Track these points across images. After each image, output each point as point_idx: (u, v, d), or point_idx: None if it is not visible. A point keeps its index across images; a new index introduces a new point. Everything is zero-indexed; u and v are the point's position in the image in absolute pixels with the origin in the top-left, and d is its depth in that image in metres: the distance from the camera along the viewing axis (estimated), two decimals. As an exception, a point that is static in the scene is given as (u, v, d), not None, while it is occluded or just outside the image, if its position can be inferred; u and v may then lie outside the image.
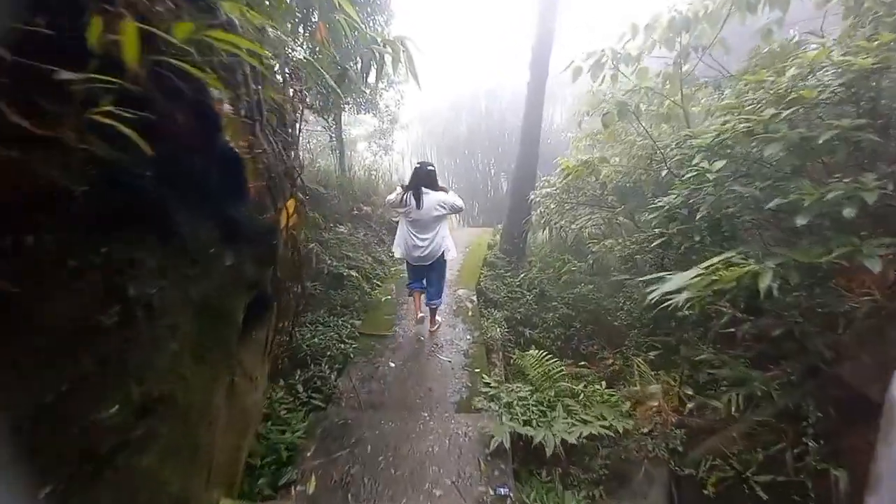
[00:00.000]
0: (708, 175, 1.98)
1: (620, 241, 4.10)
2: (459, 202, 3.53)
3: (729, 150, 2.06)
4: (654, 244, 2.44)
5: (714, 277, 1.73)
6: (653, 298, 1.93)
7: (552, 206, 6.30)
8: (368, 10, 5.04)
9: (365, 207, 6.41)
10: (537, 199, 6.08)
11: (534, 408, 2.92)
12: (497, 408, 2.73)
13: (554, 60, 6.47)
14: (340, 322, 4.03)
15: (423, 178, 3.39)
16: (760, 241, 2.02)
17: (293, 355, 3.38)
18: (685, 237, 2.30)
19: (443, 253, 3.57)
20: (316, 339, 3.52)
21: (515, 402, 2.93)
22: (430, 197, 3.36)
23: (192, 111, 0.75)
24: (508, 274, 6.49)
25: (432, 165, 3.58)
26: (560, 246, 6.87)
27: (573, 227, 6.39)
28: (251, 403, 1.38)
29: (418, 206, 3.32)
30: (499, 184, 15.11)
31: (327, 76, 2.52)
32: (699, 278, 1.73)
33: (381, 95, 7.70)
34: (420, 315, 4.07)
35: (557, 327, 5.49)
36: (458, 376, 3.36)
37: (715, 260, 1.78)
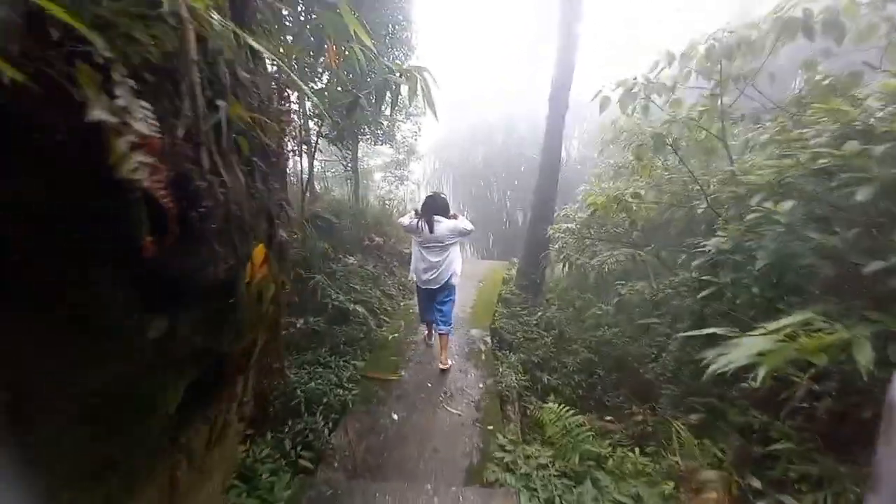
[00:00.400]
0: (777, 217, 1.66)
1: (653, 283, 3.71)
2: (469, 226, 3.66)
3: (795, 190, 1.75)
4: (703, 294, 2.09)
5: (794, 346, 1.37)
6: (715, 369, 1.57)
7: (571, 241, 5.98)
8: (388, 41, 5.04)
9: (377, 238, 6.22)
10: (556, 233, 5.78)
11: (556, 480, 2.50)
12: (513, 482, 2.32)
13: (573, 93, 6.37)
14: (342, 363, 3.71)
15: (436, 207, 3.58)
16: (840, 301, 1.65)
17: (287, 402, 3.06)
18: (740, 288, 1.95)
19: (451, 276, 3.68)
20: (313, 384, 3.20)
21: (534, 472, 2.51)
22: (442, 225, 3.53)
23: (69, 127, 0.50)
24: (525, 312, 6.10)
25: (444, 195, 3.79)
26: (580, 283, 6.47)
27: (592, 263, 6.05)
28: (204, 499, 1.08)
29: (431, 231, 3.50)
30: (514, 216, 14.91)
31: (322, 102, 2.32)
32: (777, 346, 1.37)
33: (398, 127, 7.70)
34: (431, 341, 4.22)
35: (578, 373, 5.03)
36: (468, 434, 2.96)
37: (789, 321, 1.43)
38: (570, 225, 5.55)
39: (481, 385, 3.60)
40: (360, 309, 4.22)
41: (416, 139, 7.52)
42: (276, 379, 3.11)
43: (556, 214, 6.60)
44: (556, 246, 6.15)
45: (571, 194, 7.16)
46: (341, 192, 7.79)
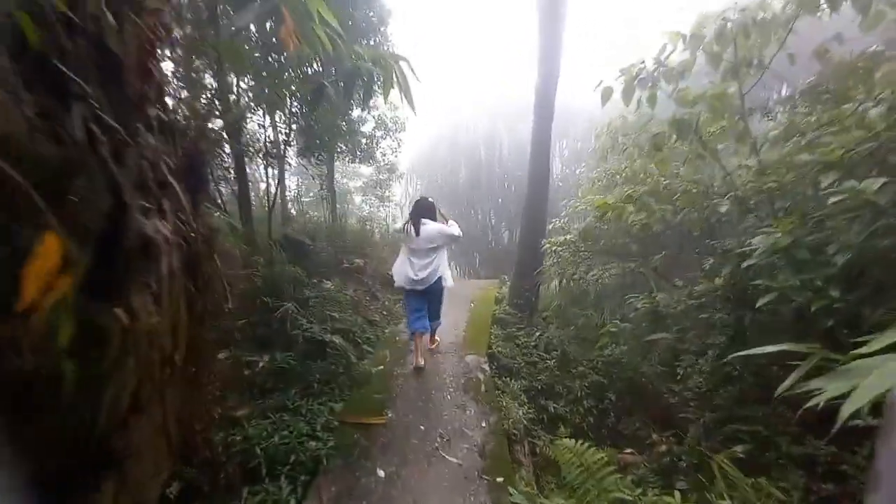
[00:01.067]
0: (868, 198, 1.27)
1: (668, 295, 3.31)
2: (456, 231, 3.71)
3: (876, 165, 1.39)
4: (763, 302, 1.67)
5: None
6: (815, 403, 1.13)
7: (567, 254, 5.61)
8: (363, 25, 4.66)
9: (357, 260, 5.69)
10: (552, 247, 5.40)
11: (590, 549, 1.96)
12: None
13: (558, 104, 6.16)
14: (316, 406, 3.11)
15: (423, 211, 3.68)
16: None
17: (245, 463, 2.44)
18: (810, 291, 1.54)
19: (440, 279, 3.69)
20: (277, 437, 2.59)
21: (562, 540, 1.97)
22: (429, 227, 3.60)
23: None
24: (521, 333, 5.60)
25: (432, 199, 3.86)
26: (579, 299, 6.06)
27: (589, 276, 5.66)
28: None
29: (417, 233, 3.57)
30: (500, 234, 14.63)
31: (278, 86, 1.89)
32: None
33: (377, 144, 7.34)
34: (420, 362, 3.82)
35: (587, 398, 4.53)
36: (472, 489, 2.40)
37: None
38: (567, 236, 5.18)
39: (484, 424, 3.04)
40: (337, 340, 3.65)
41: (396, 155, 7.17)
42: (226, 433, 2.51)
43: (547, 227, 6.26)
44: (551, 261, 5.76)
45: (556, 210, 6.86)
46: (319, 214, 7.28)
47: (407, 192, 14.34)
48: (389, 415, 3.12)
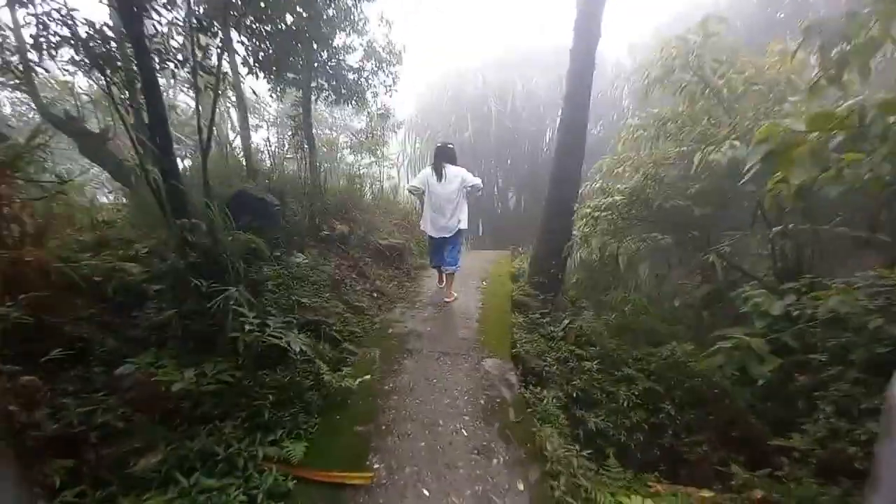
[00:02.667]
0: None
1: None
2: (476, 180, 3.88)
3: None
4: None
5: None
6: None
7: (608, 223, 4.39)
8: None
9: (339, 226, 4.46)
10: (591, 213, 4.17)
11: None
12: None
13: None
14: (261, 453, 2.01)
15: (445, 155, 3.81)
16: None
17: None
18: None
19: (459, 223, 3.85)
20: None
21: None
22: (451, 170, 3.72)
23: None
24: (546, 320, 4.49)
25: (452, 144, 3.99)
26: (621, 277, 4.90)
27: (638, 248, 4.47)
28: None
29: (440, 179, 3.71)
30: (507, 199, 13.29)
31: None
32: None
33: (368, 81, 5.89)
34: (442, 285, 4.30)
35: (635, 410, 3.50)
36: None
37: None
38: (613, 198, 3.94)
39: (521, 485, 1.96)
40: (300, 341, 2.48)
41: (390, 94, 5.75)
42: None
43: (580, 191, 5.00)
44: (587, 229, 4.55)
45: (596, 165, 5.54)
46: (298, 169, 5.92)
47: (405, 149, 12.83)
48: (376, 466, 2.03)
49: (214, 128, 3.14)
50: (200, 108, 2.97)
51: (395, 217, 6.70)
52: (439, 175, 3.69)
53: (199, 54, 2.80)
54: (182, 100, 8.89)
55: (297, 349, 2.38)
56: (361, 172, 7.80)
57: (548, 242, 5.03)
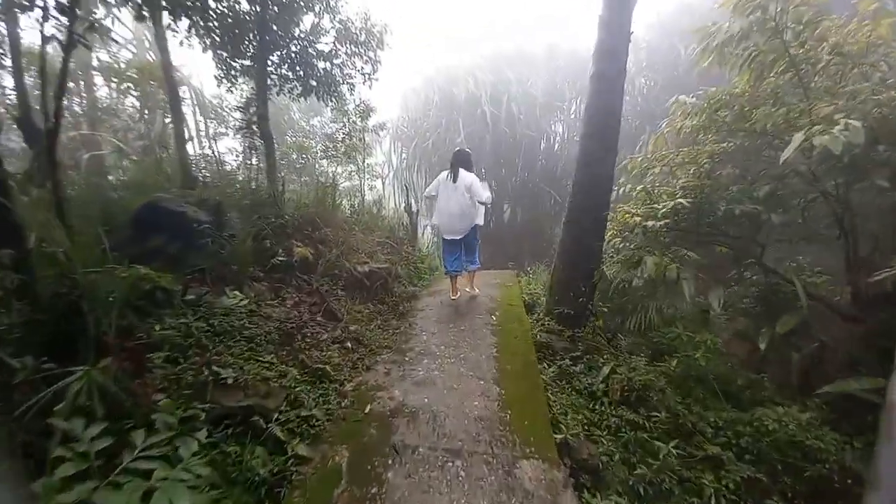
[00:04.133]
0: None
1: None
2: (486, 194, 3.88)
3: None
4: None
5: None
6: None
7: (657, 235, 3.34)
8: None
9: (300, 249, 3.29)
10: (639, 223, 3.11)
11: None
12: None
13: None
14: None
15: (462, 160, 3.90)
16: None
17: None
18: None
19: (475, 227, 3.99)
20: None
21: None
22: (465, 176, 3.80)
23: None
24: (580, 368, 3.36)
25: (469, 150, 4.13)
26: (684, 311, 3.80)
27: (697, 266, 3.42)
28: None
29: (454, 180, 3.80)
30: (501, 212, 12.28)
31: None
32: None
33: (342, 71, 4.82)
34: (456, 296, 4.16)
35: (733, 510, 2.39)
36: None
37: None
38: (674, 201, 2.89)
39: None
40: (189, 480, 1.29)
41: (369, 84, 4.66)
42: None
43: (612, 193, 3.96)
44: (630, 244, 3.49)
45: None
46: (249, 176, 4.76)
47: (390, 160, 11.76)
48: None
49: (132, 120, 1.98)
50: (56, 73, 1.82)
51: (379, 234, 5.56)
52: (455, 178, 3.81)
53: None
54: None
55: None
56: (339, 183, 6.66)
57: (573, 264, 3.94)
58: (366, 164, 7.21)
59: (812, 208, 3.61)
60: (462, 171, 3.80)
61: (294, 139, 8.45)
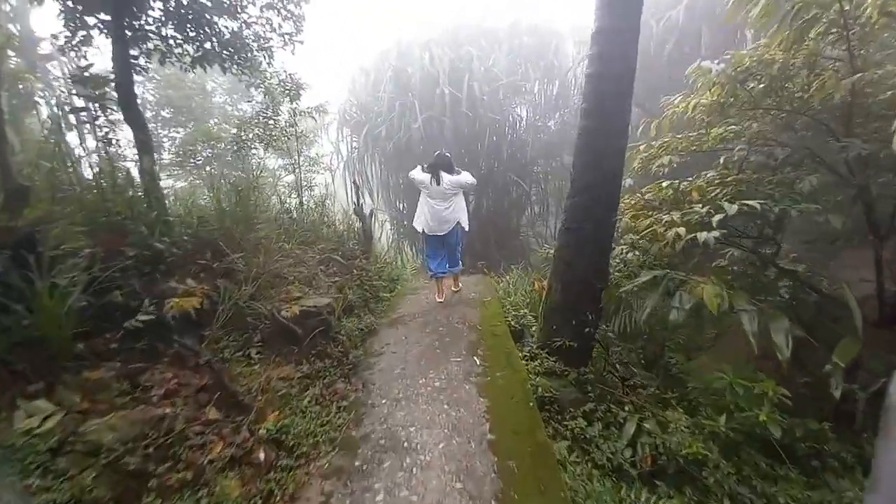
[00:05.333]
0: None
1: None
2: (471, 179, 4.14)
3: None
4: None
5: None
6: None
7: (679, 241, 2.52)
8: None
9: (179, 301, 2.10)
10: (667, 231, 2.25)
11: None
12: None
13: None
14: None
15: (442, 164, 3.95)
16: None
17: None
18: None
19: (458, 224, 4.08)
20: None
21: None
22: (446, 178, 3.92)
23: None
24: (599, 430, 2.51)
25: (449, 153, 4.18)
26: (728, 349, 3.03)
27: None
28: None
29: (438, 184, 3.90)
30: (466, 202, 11.31)
31: None
32: None
33: (259, 37, 3.54)
34: (441, 298, 4.23)
35: None
36: None
37: None
38: (748, 202, 2.05)
39: None
40: None
41: (292, 49, 3.40)
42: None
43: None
44: (628, 257, 2.66)
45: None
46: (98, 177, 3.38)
47: (338, 150, 10.33)
48: None
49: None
50: None
51: (324, 245, 4.40)
52: (437, 181, 3.90)
53: None
54: None
55: None
56: (280, 179, 5.34)
57: (574, 284, 3.06)
58: (302, 155, 5.90)
59: (839, 205, 2.96)
60: (444, 176, 3.89)
61: (215, 127, 6.89)
